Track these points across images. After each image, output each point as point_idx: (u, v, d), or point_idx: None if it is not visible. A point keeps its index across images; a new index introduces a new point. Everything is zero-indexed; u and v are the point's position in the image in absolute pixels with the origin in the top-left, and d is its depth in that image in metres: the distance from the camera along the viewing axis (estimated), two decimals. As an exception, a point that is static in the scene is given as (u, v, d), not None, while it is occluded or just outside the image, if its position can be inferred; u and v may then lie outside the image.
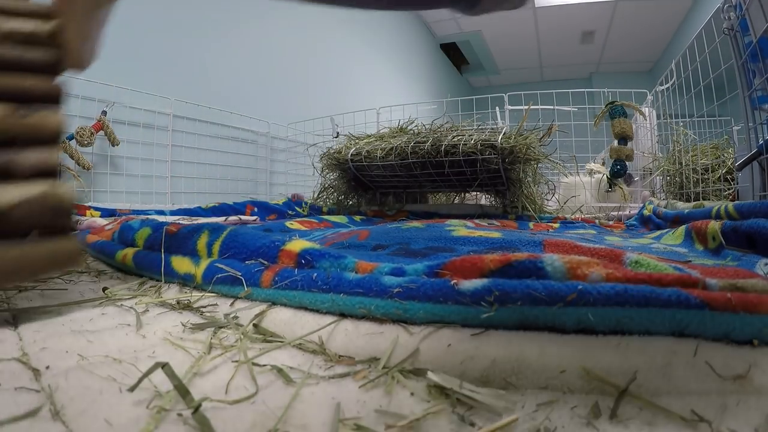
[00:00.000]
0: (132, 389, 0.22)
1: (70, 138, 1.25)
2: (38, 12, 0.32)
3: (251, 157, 2.18)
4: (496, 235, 0.64)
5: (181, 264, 0.46)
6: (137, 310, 0.37)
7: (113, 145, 1.43)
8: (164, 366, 0.22)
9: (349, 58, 3.19)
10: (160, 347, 0.29)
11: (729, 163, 1.52)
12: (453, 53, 5.51)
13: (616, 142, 1.65)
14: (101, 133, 1.38)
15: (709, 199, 1.37)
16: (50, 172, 0.29)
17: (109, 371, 0.25)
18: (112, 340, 0.30)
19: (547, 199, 1.47)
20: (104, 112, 1.39)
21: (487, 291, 0.27)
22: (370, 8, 0.45)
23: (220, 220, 1.25)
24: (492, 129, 1.40)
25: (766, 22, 1.03)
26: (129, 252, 0.55)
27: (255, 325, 0.33)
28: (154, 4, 1.69)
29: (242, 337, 0.31)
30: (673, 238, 0.75)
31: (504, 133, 1.24)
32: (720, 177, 1.53)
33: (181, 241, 0.51)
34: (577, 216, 1.44)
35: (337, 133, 2.06)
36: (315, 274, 0.35)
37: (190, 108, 1.77)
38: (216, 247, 0.47)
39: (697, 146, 1.64)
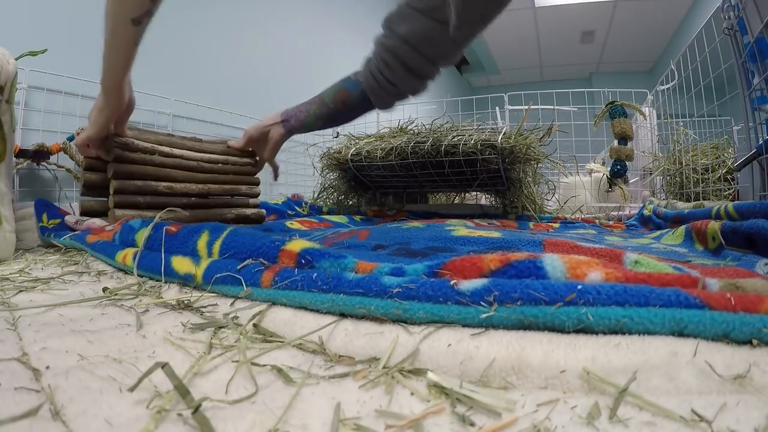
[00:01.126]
0: (132, 389, 0.22)
1: (71, 139, 1.25)
2: (250, 154, 1.04)
3: (251, 157, 2.17)
4: (496, 235, 0.64)
5: (182, 264, 0.46)
6: (137, 310, 0.37)
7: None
8: (164, 366, 0.22)
9: (349, 57, 3.19)
10: (160, 347, 0.29)
11: (729, 163, 1.52)
12: (453, 53, 5.50)
13: (616, 142, 1.65)
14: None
15: (709, 199, 1.37)
16: (256, 205, 1.08)
17: (109, 371, 0.25)
18: (113, 340, 0.30)
19: (547, 199, 1.47)
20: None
21: (487, 291, 0.27)
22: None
23: (220, 220, 1.25)
24: (492, 129, 1.40)
25: (761, 22, 1.03)
26: (129, 252, 0.55)
27: (255, 325, 0.33)
28: (154, 4, 1.69)
29: (242, 337, 0.31)
30: (673, 238, 0.75)
31: (504, 133, 1.24)
32: (720, 177, 1.53)
33: (181, 241, 0.51)
34: (577, 216, 1.44)
35: (337, 133, 2.06)
36: (315, 274, 0.35)
37: (190, 108, 1.77)
38: (216, 247, 0.47)
39: (697, 146, 1.64)
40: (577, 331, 0.25)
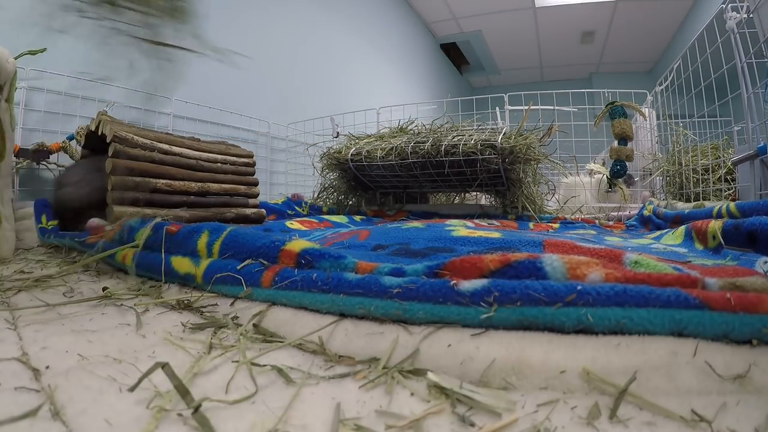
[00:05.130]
0: (132, 389, 0.22)
1: (71, 138, 1.25)
2: (248, 154, 1.16)
3: (251, 157, 2.18)
4: (496, 235, 0.64)
5: (182, 264, 0.46)
6: (137, 310, 0.37)
7: None
8: (164, 366, 0.22)
9: (349, 57, 3.19)
10: (160, 347, 0.29)
11: (729, 163, 1.52)
12: (453, 53, 5.51)
13: (616, 143, 1.65)
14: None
15: (709, 200, 1.37)
16: (256, 205, 1.13)
17: (109, 371, 0.25)
18: (112, 339, 0.30)
19: (547, 199, 1.47)
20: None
21: (487, 291, 0.27)
22: None
23: (220, 220, 1.25)
24: (492, 129, 1.40)
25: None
26: (129, 252, 0.55)
27: (255, 325, 0.33)
28: (154, 4, 1.69)
29: (242, 337, 0.31)
30: (672, 238, 0.75)
31: (504, 133, 1.24)
32: (720, 177, 1.53)
33: (181, 241, 0.51)
34: (577, 216, 1.44)
35: (337, 133, 2.06)
36: (315, 275, 0.35)
37: (190, 108, 1.77)
38: (216, 247, 0.47)
39: (697, 147, 1.64)
40: (577, 332, 0.25)
